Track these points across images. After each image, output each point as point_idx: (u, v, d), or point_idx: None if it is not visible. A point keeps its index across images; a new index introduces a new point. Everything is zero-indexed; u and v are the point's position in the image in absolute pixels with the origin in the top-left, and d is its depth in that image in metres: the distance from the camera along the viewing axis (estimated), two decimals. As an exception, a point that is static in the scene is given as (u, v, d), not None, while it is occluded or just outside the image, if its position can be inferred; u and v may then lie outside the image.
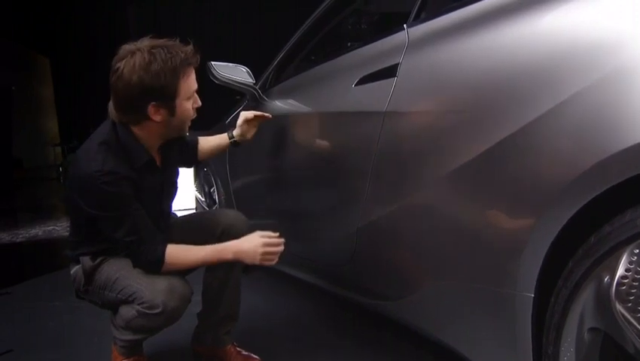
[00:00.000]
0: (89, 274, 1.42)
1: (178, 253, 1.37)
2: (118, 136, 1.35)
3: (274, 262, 1.43)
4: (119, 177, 1.29)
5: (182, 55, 1.29)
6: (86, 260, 1.42)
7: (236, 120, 2.41)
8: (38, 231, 4.58)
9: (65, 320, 2.11)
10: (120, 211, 1.31)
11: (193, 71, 1.35)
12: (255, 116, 1.73)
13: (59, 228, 4.65)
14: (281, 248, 1.44)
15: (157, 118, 1.32)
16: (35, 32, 12.59)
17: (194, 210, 3.18)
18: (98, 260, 1.42)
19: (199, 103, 1.40)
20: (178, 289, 1.33)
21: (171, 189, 1.56)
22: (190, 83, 1.34)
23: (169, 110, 1.33)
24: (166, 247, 1.35)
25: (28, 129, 12.78)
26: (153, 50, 1.26)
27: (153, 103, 1.29)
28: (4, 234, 4.49)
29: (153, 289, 1.31)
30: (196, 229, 1.55)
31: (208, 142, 1.77)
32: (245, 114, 1.73)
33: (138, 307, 1.32)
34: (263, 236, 1.43)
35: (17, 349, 1.83)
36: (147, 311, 1.31)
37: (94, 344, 1.80)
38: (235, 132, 1.76)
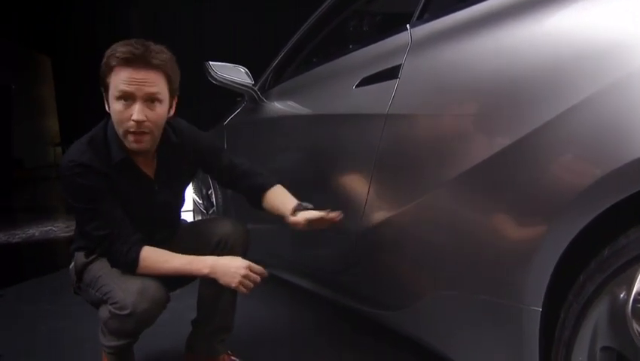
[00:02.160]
0: (80, 271, 1.41)
1: (153, 257, 1.32)
2: (106, 130, 1.36)
3: (248, 292, 1.32)
4: (90, 171, 1.30)
5: (123, 48, 1.24)
6: (80, 256, 1.42)
7: (234, 122, 2.38)
8: (34, 231, 4.54)
9: (56, 324, 2.06)
10: (91, 204, 1.31)
11: (129, 72, 1.24)
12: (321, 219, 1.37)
13: (56, 229, 4.62)
14: (259, 279, 1.33)
15: (106, 106, 1.33)
16: (35, 31, 12.58)
17: (191, 212, 3.14)
18: (91, 258, 1.41)
19: (136, 116, 1.25)
20: (149, 292, 1.28)
21: (168, 200, 1.50)
22: (117, 81, 1.25)
23: (107, 103, 1.31)
24: (140, 248, 1.31)
25: (29, 129, 12.76)
26: (124, 40, 1.28)
27: (103, 88, 1.31)
28: (1, 234, 4.45)
29: (125, 290, 1.28)
30: (193, 238, 1.50)
31: (278, 197, 1.50)
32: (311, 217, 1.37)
33: (110, 307, 1.29)
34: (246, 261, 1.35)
35: (7, 354, 1.78)
36: (118, 312, 1.27)
37: (85, 350, 1.75)
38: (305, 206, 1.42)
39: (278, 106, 1.98)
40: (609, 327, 0.74)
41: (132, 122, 1.27)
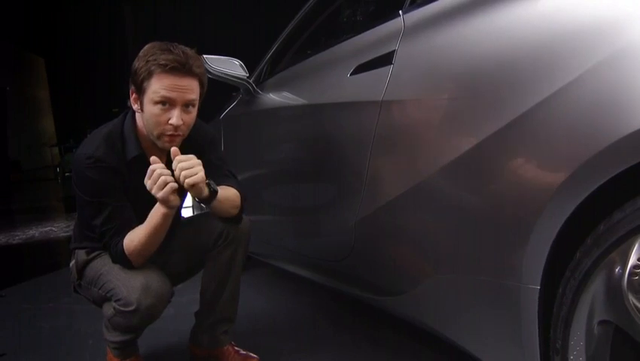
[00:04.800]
0: (81, 269, 1.42)
1: (130, 236, 1.32)
2: (124, 124, 1.38)
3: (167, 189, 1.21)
4: (104, 166, 1.32)
5: (167, 56, 1.25)
6: (81, 254, 1.43)
7: (230, 114, 2.38)
8: (34, 232, 4.54)
9: (59, 322, 2.07)
10: (99, 198, 1.32)
11: (172, 79, 1.25)
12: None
13: (56, 229, 4.62)
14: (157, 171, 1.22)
15: (134, 106, 1.35)
16: (30, 33, 12.55)
17: (191, 208, 3.14)
18: (92, 255, 1.42)
19: (176, 121, 1.27)
20: (153, 287, 1.29)
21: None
22: (157, 87, 1.26)
23: (140, 104, 1.32)
24: (124, 237, 1.32)
25: (25, 131, 12.74)
26: (159, 43, 1.29)
27: (132, 87, 1.32)
28: (1, 235, 4.45)
29: (128, 286, 1.29)
30: (194, 232, 1.51)
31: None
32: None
33: (114, 304, 1.31)
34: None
35: (10, 353, 1.79)
36: (123, 309, 1.28)
37: (89, 347, 1.76)
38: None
39: (274, 97, 1.98)
40: (606, 301, 0.75)
41: (170, 127, 1.29)
